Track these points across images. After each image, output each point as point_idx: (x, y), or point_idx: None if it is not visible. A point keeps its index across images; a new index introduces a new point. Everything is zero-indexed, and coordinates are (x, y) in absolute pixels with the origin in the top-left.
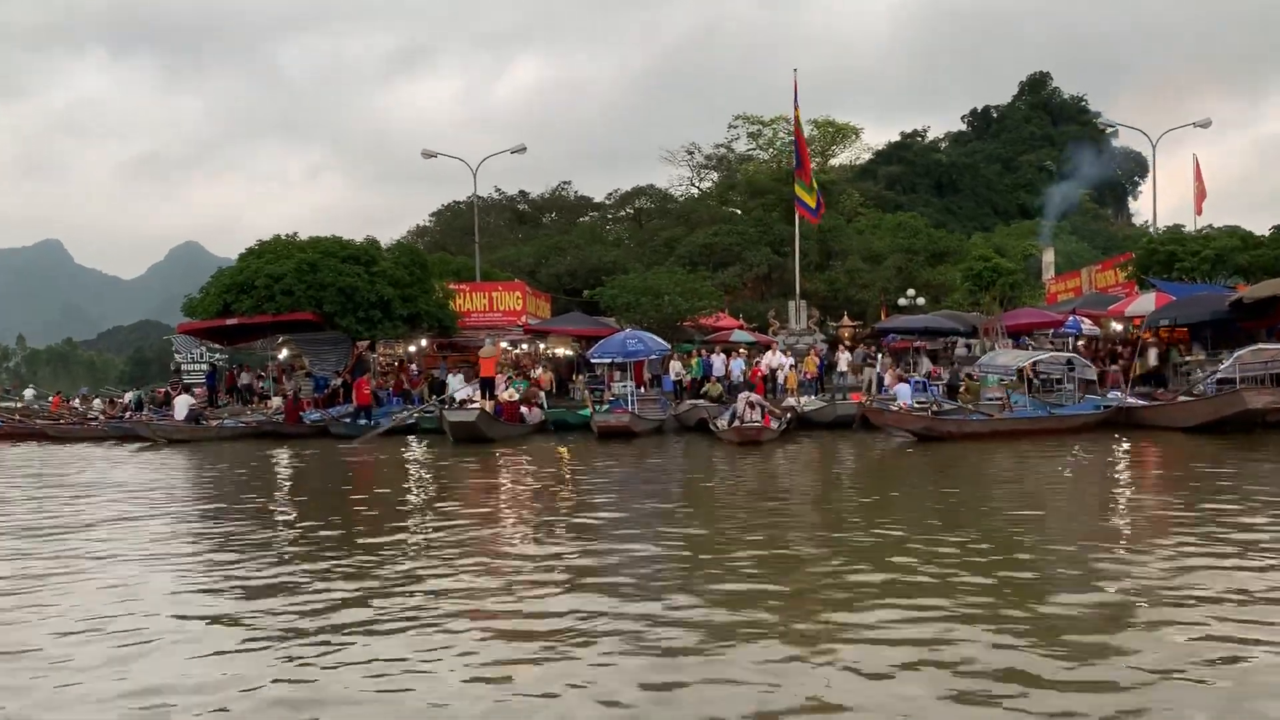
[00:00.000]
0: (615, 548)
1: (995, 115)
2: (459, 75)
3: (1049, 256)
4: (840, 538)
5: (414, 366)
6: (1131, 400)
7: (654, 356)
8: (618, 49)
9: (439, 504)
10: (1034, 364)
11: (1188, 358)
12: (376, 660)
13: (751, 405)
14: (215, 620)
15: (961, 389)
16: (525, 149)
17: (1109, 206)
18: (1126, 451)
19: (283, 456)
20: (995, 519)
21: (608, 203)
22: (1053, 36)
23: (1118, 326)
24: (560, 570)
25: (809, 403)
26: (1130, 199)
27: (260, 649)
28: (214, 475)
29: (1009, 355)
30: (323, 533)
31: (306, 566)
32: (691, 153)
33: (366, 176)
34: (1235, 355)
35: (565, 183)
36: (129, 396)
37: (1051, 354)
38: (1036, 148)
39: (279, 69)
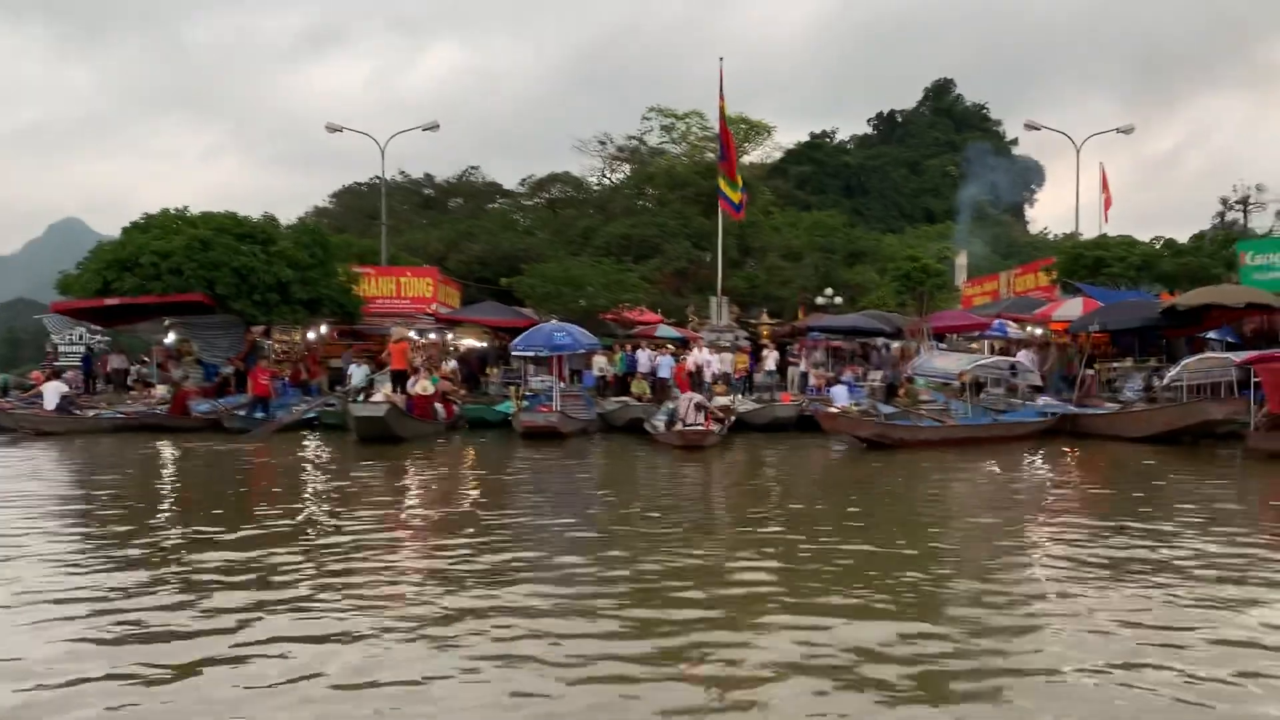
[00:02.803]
0: (559, 592)
1: (900, 120)
2: (370, 59)
3: (962, 259)
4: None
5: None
6: (1076, 408)
7: (581, 351)
8: (535, 41)
9: (340, 515)
10: (975, 367)
11: (1114, 364)
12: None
13: (698, 407)
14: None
15: (900, 392)
16: (438, 126)
17: (1007, 213)
18: (1086, 463)
19: (166, 452)
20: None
21: (520, 190)
22: (955, 48)
23: (1037, 330)
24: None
25: (742, 403)
26: (1027, 206)
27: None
28: (82, 474)
29: (947, 358)
30: (203, 550)
31: (177, 581)
32: (604, 143)
33: (266, 157)
34: (1181, 363)
35: (473, 168)
36: None
37: (994, 358)
38: (940, 153)
39: (182, 43)
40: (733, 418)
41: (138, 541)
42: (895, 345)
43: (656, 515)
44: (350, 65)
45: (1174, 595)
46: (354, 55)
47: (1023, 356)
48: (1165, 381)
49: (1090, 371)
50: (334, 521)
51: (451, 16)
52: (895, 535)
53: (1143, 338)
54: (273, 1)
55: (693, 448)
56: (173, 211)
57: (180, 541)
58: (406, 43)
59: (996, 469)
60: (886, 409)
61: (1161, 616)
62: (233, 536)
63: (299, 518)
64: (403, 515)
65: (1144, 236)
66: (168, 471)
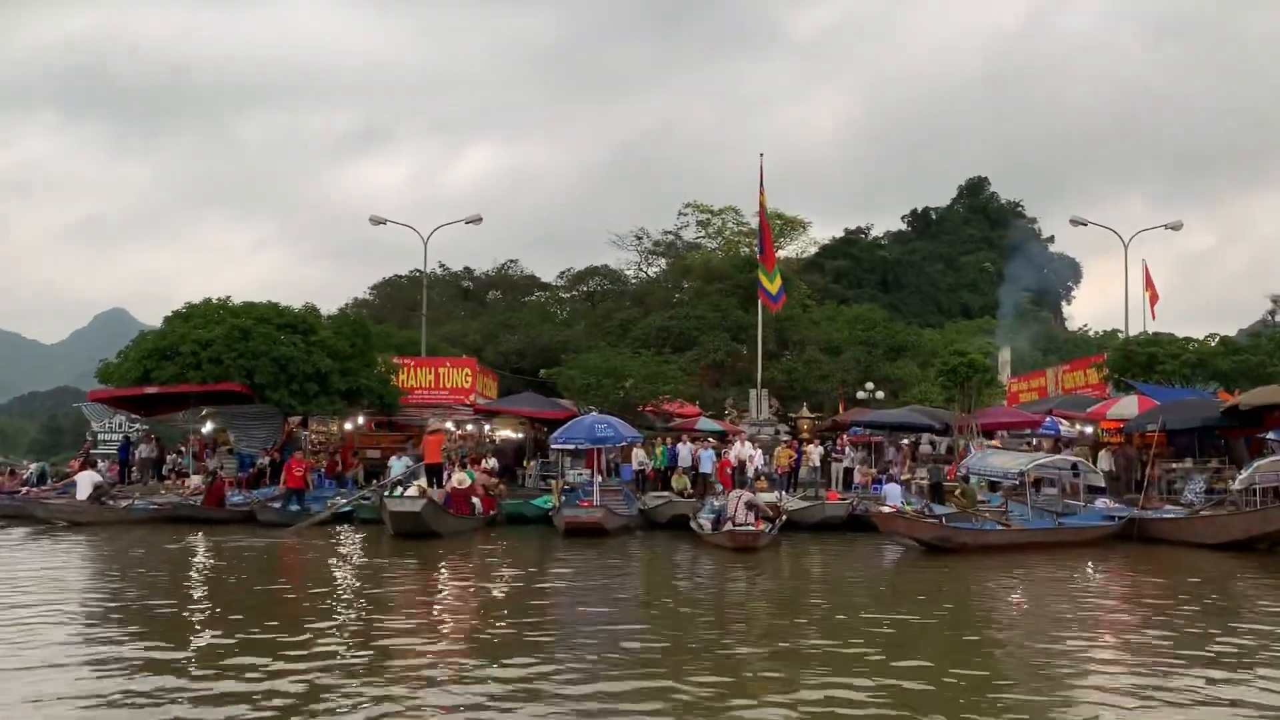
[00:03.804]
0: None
1: (934, 217)
2: (412, 156)
3: (1006, 355)
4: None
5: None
6: (1143, 511)
7: (622, 443)
8: (573, 140)
9: (367, 626)
10: (1036, 466)
11: (1173, 465)
12: None
13: (750, 506)
14: None
15: (957, 491)
16: (481, 219)
17: (1045, 309)
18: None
19: (198, 547)
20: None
21: (558, 283)
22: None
23: (1087, 429)
24: None
25: (789, 501)
26: (1064, 303)
27: None
28: (105, 570)
29: (1003, 456)
30: (231, 651)
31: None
32: (640, 238)
33: (310, 250)
34: (1252, 465)
35: (511, 261)
36: (32, 468)
37: (1055, 457)
38: (976, 249)
39: (235, 140)
40: (784, 517)
41: (147, 646)
42: (942, 442)
43: (725, 637)
44: (393, 163)
45: None
46: (397, 153)
47: (1104, 457)
48: (1238, 485)
49: (1154, 473)
50: (359, 638)
51: (492, 117)
52: (1001, 662)
53: (1200, 438)
54: (322, 102)
55: (744, 549)
56: (215, 301)
57: (190, 655)
58: (448, 142)
59: (1079, 581)
60: (940, 509)
61: None
62: (247, 651)
63: (323, 626)
64: (435, 627)
65: (1183, 334)
66: (192, 569)
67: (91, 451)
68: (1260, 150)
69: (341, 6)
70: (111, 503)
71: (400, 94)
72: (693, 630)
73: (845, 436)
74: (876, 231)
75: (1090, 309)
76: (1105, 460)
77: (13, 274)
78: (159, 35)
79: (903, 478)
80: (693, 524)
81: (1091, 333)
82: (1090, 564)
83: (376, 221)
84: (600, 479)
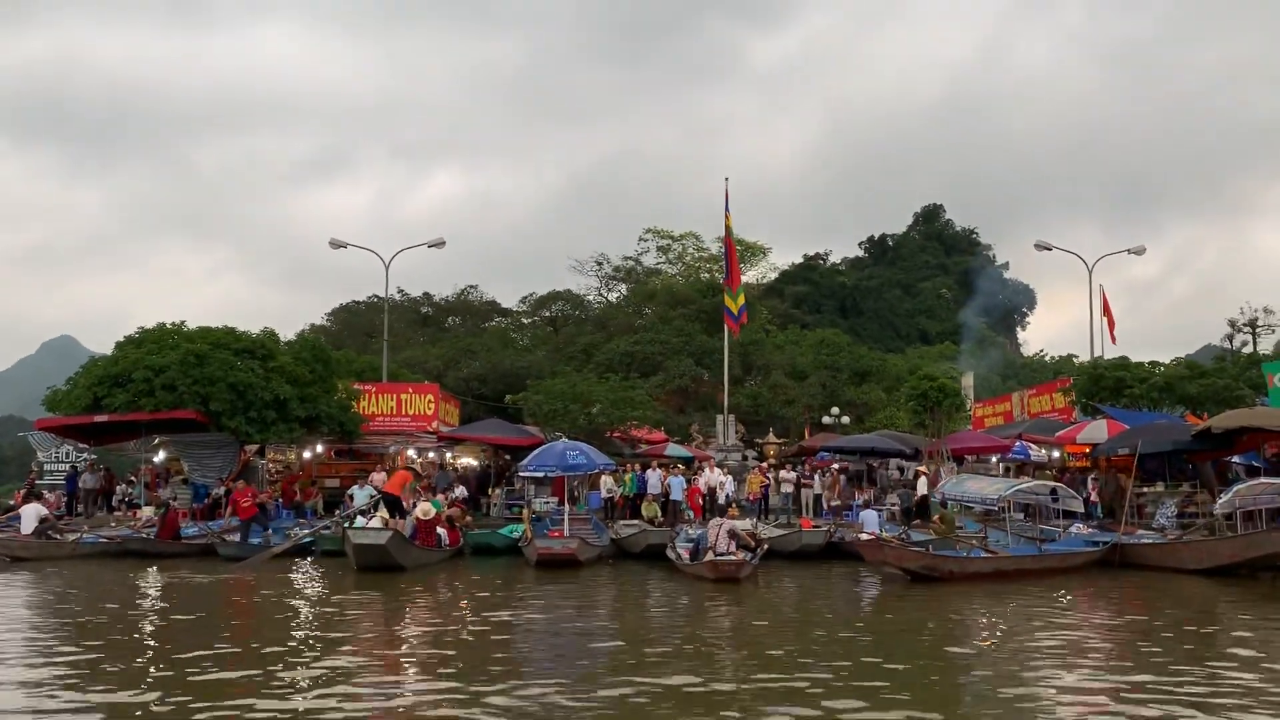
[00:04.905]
0: None
1: (891, 243)
2: (372, 183)
3: (968, 380)
4: None
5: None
6: (1124, 537)
7: (594, 471)
8: (535, 166)
9: (328, 676)
10: (1015, 492)
11: (1144, 489)
12: None
13: (732, 534)
14: None
15: (935, 518)
16: (444, 243)
17: (1001, 335)
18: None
19: (150, 583)
20: None
21: (520, 308)
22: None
23: (1054, 454)
24: None
25: (765, 529)
26: (1019, 329)
27: None
28: (45, 609)
29: (981, 482)
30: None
31: None
32: (600, 263)
33: (266, 276)
34: (1232, 490)
35: (471, 287)
36: None
37: (1035, 482)
38: (932, 275)
39: (190, 165)
40: (765, 546)
41: (88, 694)
42: (911, 467)
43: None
44: (353, 189)
45: None
46: (357, 179)
47: (1091, 482)
48: (1219, 509)
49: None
50: (318, 689)
51: (452, 144)
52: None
53: (1168, 462)
54: (279, 128)
55: (726, 579)
56: (169, 326)
57: (141, 701)
58: (408, 168)
59: (1082, 612)
60: (920, 536)
61: None
62: (205, 695)
63: (286, 676)
64: (401, 674)
65: (1135, 360)
66: (143, 608)
67: (37, 483)
68: (1202, 178)
69: (302, 32)
70: (58, 536)
71: (361, 119)
72: (712, 669)
73: (817, 461)
74: (834, 258)
75: (1042, 334)
76: (1092, 485)
77: None
78: (114, 60)
79: (859, 501)
80: (669, 553)
81: (1048, 357)
82: (1082, 592)
83: (337, 245)
84: (565, 507)
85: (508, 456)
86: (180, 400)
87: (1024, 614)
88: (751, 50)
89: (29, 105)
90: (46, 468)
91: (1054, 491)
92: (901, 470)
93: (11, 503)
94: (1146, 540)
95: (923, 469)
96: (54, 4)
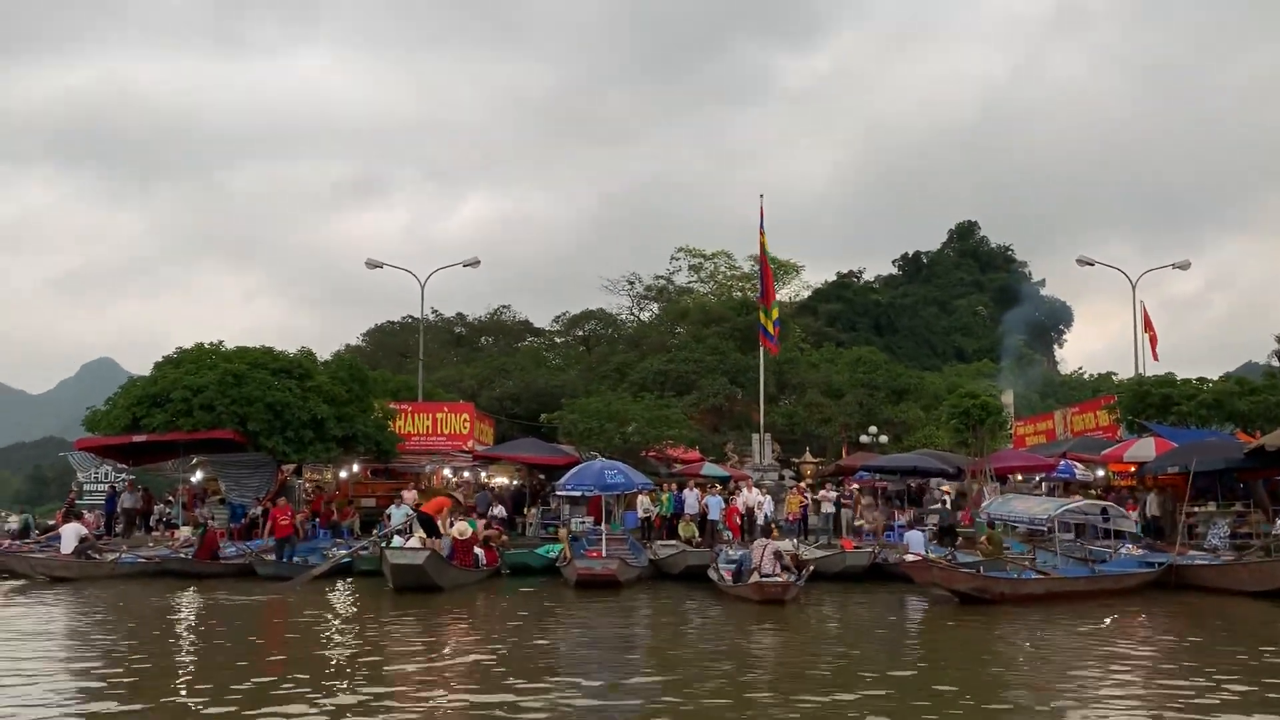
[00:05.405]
0: None
1: (925, 261)
2: (406, 205)
3: (1008, 398)
4: None
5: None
6: (1179, 558)
7: (631, 490)
8: (567, 187)
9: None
10: (1064, 511)
11: (1194, 508)
12: None
13: (777, 555)
14: None
15: (983, 538)
16: (479, 262)
17: (1039, 353)
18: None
19: (189, 604)
20: None
21: (554, 327)
22: (977, 192)
23: (1099, 472)
24: None
25: (806, 550)
26: (1056, 346)
27: None
28: (92, 626)
29: (1027, 501)
30: None
31: None
32: (632, 283)
33: (302, 298)
34: None
35: (504, 307)
36: (14, 521)
37: (1085, 501)
38: (967, 293)
39: (228, 190)
40: (811, 567)
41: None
42: (947, 486)
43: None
44: (388, 211)
45: None
46: (391, 203)
47: (1152, 501)
48: (1278, 530)
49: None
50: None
51: (485, 166)
52: None
53: (1220, 480)
54: (315, 152)
55: (772, 601)
56: (207, 346)
57: None
58: (441, 190)
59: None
60: (968, 557)
61: None
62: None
63: (325, 704)
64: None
65: (1181, 377)
66: (180, 629)
67: (76, 502)
68: (1241, 195)
69: (337, 58)
70: (97, 556)
71: (396, 142)
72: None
73: (858, 480)
74: (868, 276)
75: (1080, 351)
76: (1154, 504)
77: (2, 325)
78: (156, 87)
79: (901, 522)
80: (711, 574)
81: (1086, 375)
82: (1145, 615)
83: (373, 265)
84: (605, 528)
85: (542, 476)
86: (218, 420)
87: (1093, 638)
88: (782, 70)
89: (72, 131)
90: (86, 488)
91: (1104, 511)
92: (940, 490)
93: (52, 523)
94: (1200, 561)
95: (947, 488)
96: (100, 36)
